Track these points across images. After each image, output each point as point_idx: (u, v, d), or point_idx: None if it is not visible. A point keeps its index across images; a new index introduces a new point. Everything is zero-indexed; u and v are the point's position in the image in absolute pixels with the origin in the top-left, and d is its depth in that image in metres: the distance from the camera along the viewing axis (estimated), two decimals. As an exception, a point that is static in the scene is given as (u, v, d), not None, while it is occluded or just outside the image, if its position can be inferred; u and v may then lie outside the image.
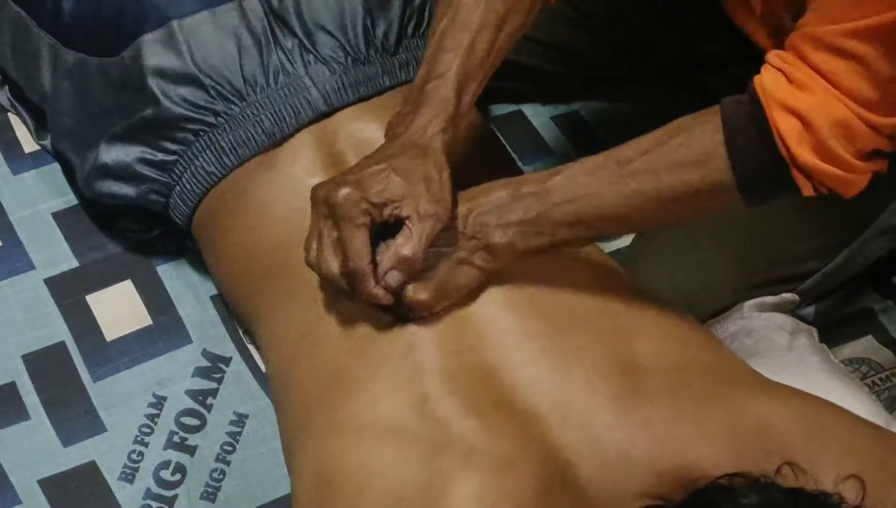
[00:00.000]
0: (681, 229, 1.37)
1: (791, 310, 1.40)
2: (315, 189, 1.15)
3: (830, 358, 1.36)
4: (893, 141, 1.10)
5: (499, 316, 1.16)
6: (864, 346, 1.46)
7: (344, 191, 1.11)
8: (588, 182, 1.14)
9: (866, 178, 1.11)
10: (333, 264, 1.12)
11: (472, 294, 1.16)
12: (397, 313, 1.15)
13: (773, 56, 1.12)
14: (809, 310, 1.44)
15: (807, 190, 1.11)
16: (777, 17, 1.26)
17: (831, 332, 1.43)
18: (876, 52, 1.05)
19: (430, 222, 1.11)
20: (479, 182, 1.18)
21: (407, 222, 1.11)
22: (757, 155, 1.10)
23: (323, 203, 1.13)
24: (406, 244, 1.11)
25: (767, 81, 1.10)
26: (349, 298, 1.14)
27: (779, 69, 1.10)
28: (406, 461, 1.07)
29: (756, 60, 1.29)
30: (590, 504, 1.07)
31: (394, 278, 1.12)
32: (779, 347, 1.32)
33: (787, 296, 1.38)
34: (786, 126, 1.08)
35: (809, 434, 1.08)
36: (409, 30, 1.37)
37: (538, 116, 1.65)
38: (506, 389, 1.12)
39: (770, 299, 1.37)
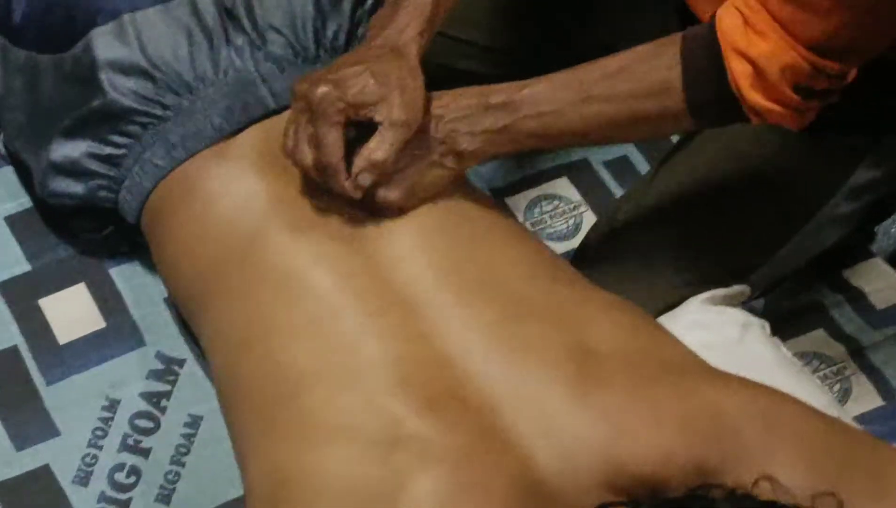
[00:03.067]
0: (627, 225, 1.39)
1: (741, 302, 1.40)
2: (295, 83, 1.22)
3: (782, 351, 1.36)
4: (840, 81, 1.17)
5: (448, 304, 1.16)
6: (816, 340, 1.48)
7: (322, 89, 1.18)
8: (553, 99, 1.22)
9: (813, 113, 1.19)
10: (308, 156, 1.19)
11: (419, 287, 1.17)
12: (368, 207, 1.21)
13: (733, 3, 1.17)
14: (760, 302, 1.45)
15: (756, 121, 1.20)
16: None
17: (783, 326, 1.44)
18: (830, 2, 1.11)
19: (402, 128, 1.18)
20: None
21: (380, 126, 1.18)
22: (710, 90, 1.18)
23: (301, 98, 1.20)
24: (378, 149, 1.18)
25: (726, 21, 1.17)
26: (324, 190, 1.20)
27: (739, 11, 1.16)
28: (362, 458, 1.07)
29: None
30: (549, 494, 1.07)
31: (365, 179, 1.18)
32: (730, 340, 1.33)
33: (737, 288, 1.39)
34: (739, 69, 1.16)
35: (761, 422, 1.09)
36: (360, 31, 1.38)
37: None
38: (459, 379, 1.12)
39: (721, 291, 1.37)
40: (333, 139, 1.17)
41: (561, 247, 1.51)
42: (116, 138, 1.34)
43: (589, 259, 1.42)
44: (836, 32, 1.13)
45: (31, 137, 1.41)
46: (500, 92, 1.23)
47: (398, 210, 1.21)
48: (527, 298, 1.18)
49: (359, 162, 1.18)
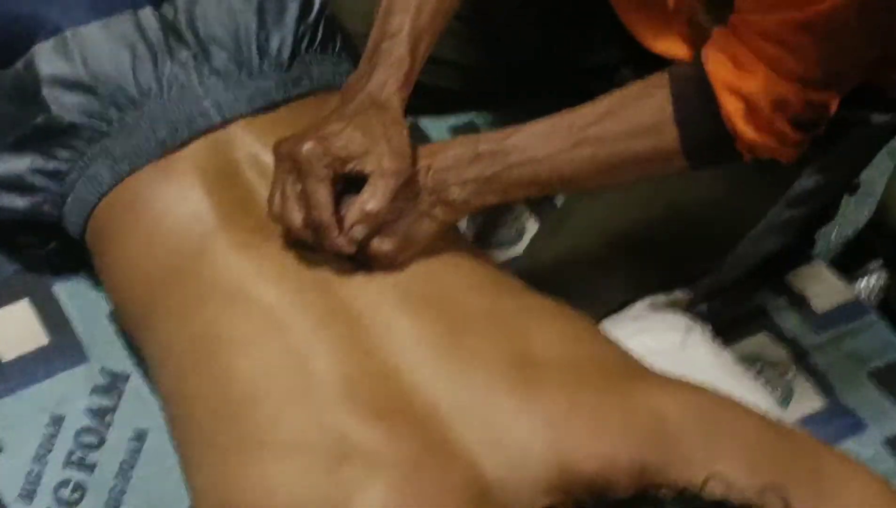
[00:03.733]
0: (571, 231, 1.39)
1: (683, 308, 1.42)
2: (278, 144, 1.20)
3: (724, 356, 1.38)
4: (827, 111, 1.19)
5: (393, 319, 1.17)
6: (758, 343, 1.49)
7: (307, 145, 1.16)
8: (543, 145, 1.21)
9: (805, 145, 1.20)
10: (297, 216, 1.17)
11: (362, 299, 1.18)
12: (361, 261, 1.19)
13: (718, 36, 1.18)
14: (702, 306, 1.46)
15: (748, 158, 1.21)
16: (691, 10, 1.31)
17: (725, 329, 1.46)
18: (811, 39, 1.13)
19: (393, 178, 1.16)
20: None
21: (370, 177, 1.16)
22: (704, 129, 1.19)
23: (287, 158, 1.18)
24: (371, 200, 1.16)
25: (713, 61, 1.18)
26: (312, 249, 1.18)
27: (724, 50, 1.17)
28: (309, 474, 1.07)
29: (647, 64, 1.33)
30: (497, 502, 1.07)
31: (359, 231, 1.17)
32: (672, 345, 1.34)
33: (679, 294, 1.40)
34: (732, 106, 1.17)
35: (703, 425, 1.09)
36: (303, 46, 1.38)
37: (435, 127, 1.66)
38: (405, 391, 1.12)
39: (662, 297, 1.39)
40: (323, 195, 1.15)
41: (504, 254, 1.52)
42: (61, 153, 1.33)
43: (532, 267, 1.43)
44: (817, 66, 1.15)
45: None
46: (488, 140, 1.22)
47: (391, 262, 1.19)
48: (471, 309, 1.19)
49: (351, 215, 1.16)
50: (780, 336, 1.50)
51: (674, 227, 1.40)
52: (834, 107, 1.19)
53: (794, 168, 1.40)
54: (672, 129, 1.19)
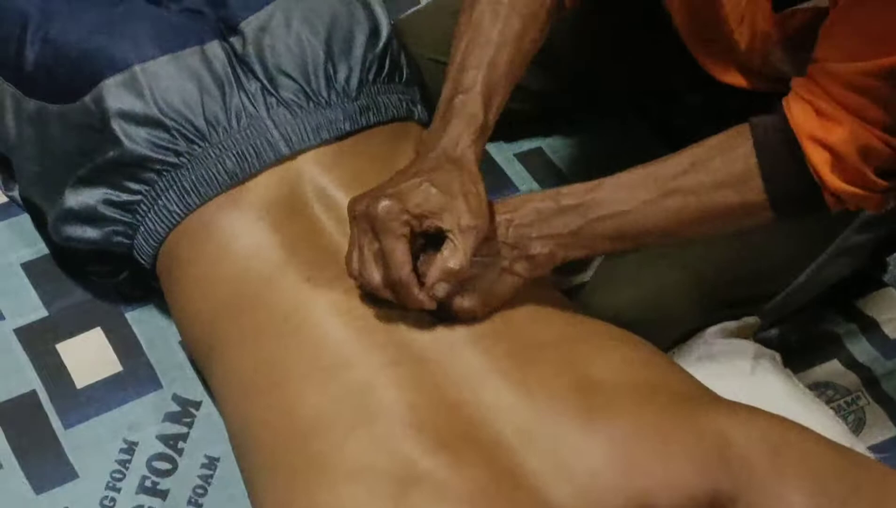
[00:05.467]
0: (639, 256, 1.39)
1: (753, 334, 1.41)
2: (352, 203, 1.19)
3: (794, 382, 1.36)
4: None
5: (458, 351, 1.17)
6: (829, 370, 1.48)
7: (384, 204, 1.15)
8: (629, 198, 1.20)
9: (891, 194, 1.18)
10: (376, 275, 1.17)
11: (432, 333, 1.18)
12: (441, 315, 1.19)
13: (798, 86, 1.17)
14: (773, 333, 1.45)
15: (834, 208, 1.19)
16: (765, 51, 1.30)
17: (795, 356, 1.45)
18: (893, 87, 1.11)
19: (472, 234, 1.16)
20: None
21: (449, 234, 1.15)
22: (790, 180, 1.17)
23: (363, 217, 1.17)
24: (452, 257, 1.15)
25: (796, 112, 1.16)
26: (395, 304, 1.18)
27: (806, 100, 1.15)
28: (376, 498, 1.07)
29: (714, 89, 1.32)
30: None
31: (442, 289, 1.16)
32: (741, 372, 1.33)
33: (749, 320, 1.39)
34: (818, 157, 1.15)
35: (771, 451, 1.09)
36: (371, 76, 1.39)
37: (501, 152, 1.67)
38: (471, 421, 1.12)
39: (732, 324, 1.38)
40: (401, 252, 1.15)
41: (572, 282, 1.51)
42: (132, 185, 1.35)
43: (600, 293, 1.42)
44: None
45: (44, 185, 1.43)
46: (571, 194, 1.21)
47: (474, 317, 1.19)
48: (534, 339, 1.19)
49: (433, 273, 1.15)
50: (851, 363, 1.49)
51: (743, 252, 1.39)
52: None
53: None
54: (758, 181, 1.17)
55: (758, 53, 1.33)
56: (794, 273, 1.42)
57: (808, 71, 1.16)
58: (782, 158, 1.17)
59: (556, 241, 1.20)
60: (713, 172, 1.19)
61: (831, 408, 1.41)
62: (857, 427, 1.41)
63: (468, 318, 1.18)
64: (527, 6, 1.28)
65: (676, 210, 1.19)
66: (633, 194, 1.20)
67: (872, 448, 1.36)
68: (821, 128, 1.15)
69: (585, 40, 1.56)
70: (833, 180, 1.15)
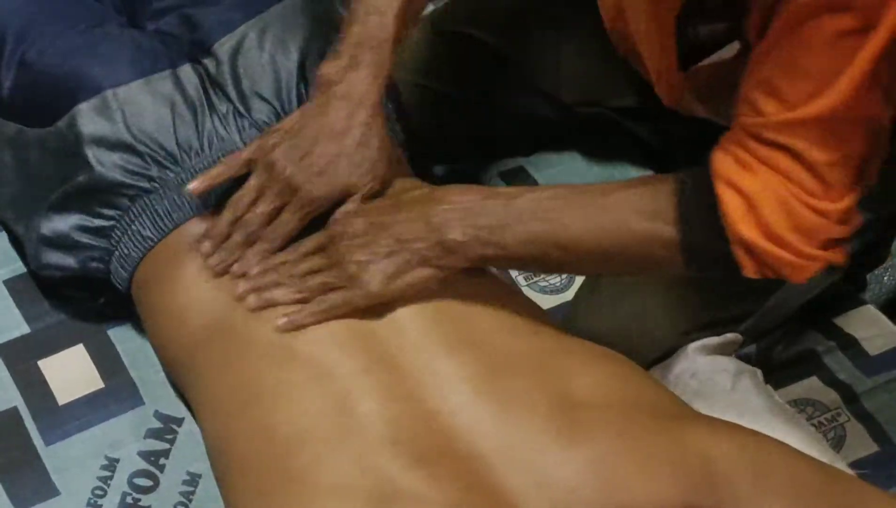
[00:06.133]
0: (618, 283, 1.40)
1: (734, 351, 1.41)
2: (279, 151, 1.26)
3: (775, 398, 1.37)
4: (847, 227, 1.13)
5: (434, 362, 1.17)
6: (809, 387, 1.48)
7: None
8: (553, 207, 1.19)
9: (818, 265, 1.13)
10: (254, 224, 1.27)
11: (404, 343, 1.19)
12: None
13: (724, 138, 1.15)
14: (752, 349, 1.45)
15: (748, 269, 1.14)
16: (681, 104, 1.35)
17: (776, 373, 1.45)
18: (806, 142, 1.09)
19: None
20: None
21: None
22: (702, 223, 1.13)
23: (284, 179, 1.26)
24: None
25: (717, 159, 1.14)
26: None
27: (727, 150, 1.13)
28: None
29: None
30: None
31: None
32: (722, 388, 1.33)
33: (729, 336, 1.40)
34: (731, 203, 1.12)
35: (753, 467, 1.09)
36: None
37: (485, 172, 1.68)
38: (448, 434, 1.12)
39: (714, 340, 1.38)
40: (291, 231, 1.26)
41: (554, 300, 1.52)
42: (105, 211, 1.35)
43: (582, 312, 1.43)
44: (824, 172, 1.10)
45: (21, 210, 1.43)
46: (501, 194, 1.22)
47: (377, 296, 1.21)
48: (511, 351, 1.19)
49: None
50: (831, 380, 1.49)
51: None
52: (857, 224, 1.13)
53: None
54: (673, 216, 1.14)
55: (676, 104, 1.37)
56: (772, 289, 1.42)
57: (732, 125, 1.15)
58: (698, 201, 1.14)
59: (474, 232, 1.20)
60: (632, 198, 1.17)
61: (812, 425, 1.42)
62: (838, 444, 1.41)
63: (371, 301, 1.21)
64: None
65: (590, 227, 1.18)
66: (556, 204, 1.20)
67: (853, 465, 1.37)
68: (737, 174, 1.12)
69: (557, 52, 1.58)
70: (743, 228, 1.11)
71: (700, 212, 1.13)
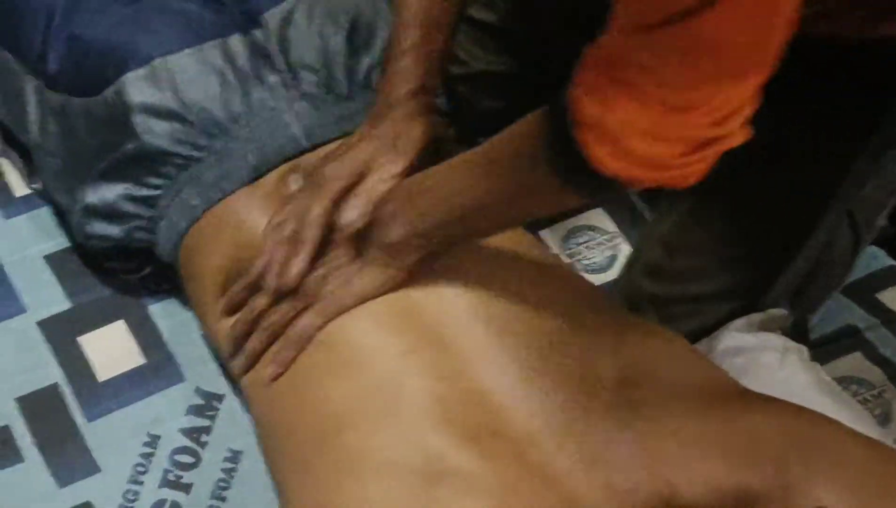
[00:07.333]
0: (663, 257, 1.39)
1: (779, 327, 1.40)
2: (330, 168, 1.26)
3: (822, 376, 1.36)
4: (721, 128, 1.02)
5: (482, 341, 1.17)
6: (853, 364, 1.47)
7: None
8: (449, 178, 1.18)
9: (700, 166, 1.04)
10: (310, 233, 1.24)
11: (450, 322, 1.18)
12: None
13: (580, 70, 1.05)
14: (797, 325, 1.43)
15: (636, 186, 1.07)
16: None
17: (819, 350, 1.44)
18: (661, 59, 0.99)
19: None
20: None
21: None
22: (572, 159, 1.04)
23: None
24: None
25: (576, 81, 1.04)
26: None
27: (582, 84, 1.04)
28: (405, 492, 1.07)
29: None
30: None
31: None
32: (769, 365, 1.32)
33: (774, 312, 1.39)
34: (594, 147, 1.03)
35: (802, 443, 1.08)
36: None
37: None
38: (497, 413, 1.12)
39: (757, 316, 1.37)
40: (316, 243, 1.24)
41: (598, 279, 1.51)
42: (152, 180, 1.35)
43: (627, 289, 1.42)
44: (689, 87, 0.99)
45: (67, 181, 1.42)
46: (422, 177, 1.21)
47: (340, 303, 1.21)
48: (561, 329, 1.18)
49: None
50: (874, 356, 1.48)
51: (752, 228, 1.38)
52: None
53: (851, 144, 1.35)
54: (547, 159, 1.07)
55: None
56: (801, 240, 1.38)
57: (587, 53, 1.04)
58: (564, 139, 1.04)
59: (408, 226, 1.19)
60: (513, 141, 1.11)
61: (857, 402, 1.41)
62: (884, 422, 1.40)
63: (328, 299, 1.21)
64: None
65: (479, 187, 1.14)
66: (451, 172, 1.18)
67: (900, 442, 1.36)
68: (598, 109, 1.01)
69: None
70: (614, 164, 1.02)
71: (569, 150, 1.04)
